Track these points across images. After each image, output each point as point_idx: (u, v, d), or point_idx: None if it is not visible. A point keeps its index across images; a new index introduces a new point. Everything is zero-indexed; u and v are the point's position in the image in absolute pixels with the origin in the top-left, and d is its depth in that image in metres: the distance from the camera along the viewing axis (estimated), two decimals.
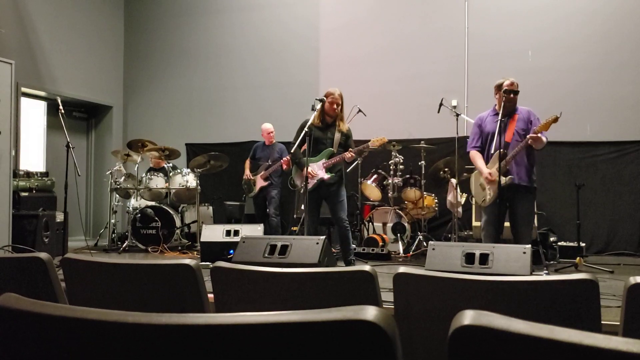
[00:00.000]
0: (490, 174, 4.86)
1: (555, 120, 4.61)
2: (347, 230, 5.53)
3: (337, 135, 5.51)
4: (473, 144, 5.13)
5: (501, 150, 4.77)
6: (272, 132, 7.51)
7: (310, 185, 5.41)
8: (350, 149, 5.47)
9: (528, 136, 4.69)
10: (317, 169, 5.44)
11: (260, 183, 7.34)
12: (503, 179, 4.78)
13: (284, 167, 7.16)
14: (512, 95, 4.86)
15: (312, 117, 5.36)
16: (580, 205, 6.01)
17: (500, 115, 4.73)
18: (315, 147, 5.46)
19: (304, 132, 5.22)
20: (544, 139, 4.69)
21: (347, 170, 5.98)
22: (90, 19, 9.54)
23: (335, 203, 5.51)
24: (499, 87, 4.95)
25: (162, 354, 0.86)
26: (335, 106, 5.43)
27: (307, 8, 9.07)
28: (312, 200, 5.50)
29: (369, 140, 5.58)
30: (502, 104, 4.76)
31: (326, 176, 5.44)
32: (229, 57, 9.53)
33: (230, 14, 9.58)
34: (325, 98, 5.44)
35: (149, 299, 2.07)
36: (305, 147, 5.32)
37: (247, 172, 7.54)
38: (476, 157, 5.07)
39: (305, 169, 5.21)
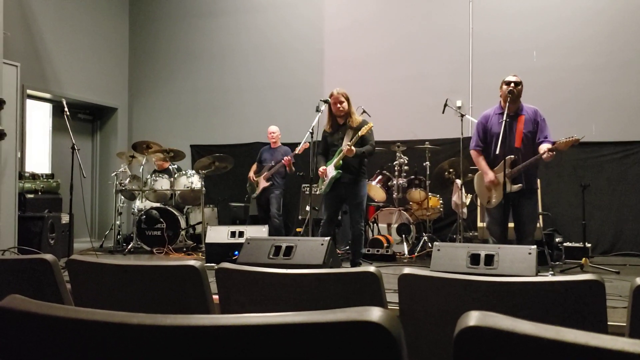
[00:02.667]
0: (495, 178, 4.85)
1: (577, 141, 4.60)
2: (361, 233, 5.49)
3: (349, 133, 5.39)
4: (475, 144, 5.09)
5: (511, 156, 4.76)
6: (272, 133, 7.51)
7: (324, 186, 5.44)
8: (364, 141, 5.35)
9: (544, 154, 4.65)
10: (330, 170, 5.43)
11: (262, 184, 7.36)
12: (513, 187, 4.77)
13: (286, 164, 7.16)
14: (512, 85, 4.80)
15: (317, 119, 5.35)
16: (585, 205, 5.99)
17: (505, 114, 4.70)
18: (332, 152, 5.46)
19: (307, 133, 5.24)
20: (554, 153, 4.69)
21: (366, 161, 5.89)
22: (95, 21, 9.57)
23: (352, 204, 5.48)
24: (503, 83, 4.93)
25: (167, 355, 0.86)
26: (338, 105, 5.36)
27: (311, 9, 9.08)
28: (332, 201, 5.50)
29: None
30: (507, 99, 4.75)
31: (333, 173, 5.39)
32: (233, 59, 9.54)
33: (235, 15, 9.59)
34: (329, 99, 5.43)
35: (154, 300, 2.07)
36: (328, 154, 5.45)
37: (251, 173, 7.56)
38: (479, 158, 5.05)
39: (311, 170, 5.25)
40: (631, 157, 7.34)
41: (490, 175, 4.90)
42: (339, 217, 6.50)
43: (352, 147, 5.20)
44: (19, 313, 0.94)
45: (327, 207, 5.54)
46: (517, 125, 4.87)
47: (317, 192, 5.85)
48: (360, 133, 5.24)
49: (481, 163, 5.02)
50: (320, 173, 5.42)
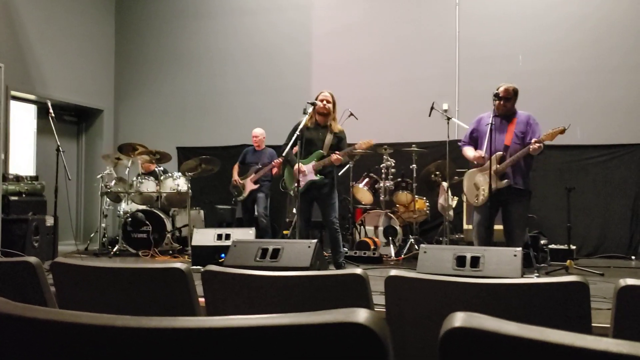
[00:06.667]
0: (480, 154, 4.91)
1: (562, 131, 4.65)
2: (338, 233, 5.55)
3: (329, 137, 5.53)
4: (463, 140, 5.27)
5: (500, 153, 4.83)
6: (256, 137, 7.52)
7: (300, 188, 5.42)
8: (336, 151, 5.46)
9: (531, 146, 4.71)
10: (307, 171, 5.47)
11: (250, 186, 7.34)
12: (501, 182, 4.83)
13: (274, 170, 7.18)
14: (500, 102, 4.92)
15: (305, 119, 5.36)
16: (570, 208, 6.04)
17: (491, 117, 4.78)
18: (306, 149, 5.46)
19: (295, 134, 5.24)
20: (541, 145, 4.74)
21: (339, 174, 5.99)
22: (81, 22, 9.49)
23: (326, 205, 5.53)
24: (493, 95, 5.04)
25: (152, 358, 0.86)
26: (325, 103, 5.45)
27: (300, 13, 9.08)
28: (304, 202, 5.52)
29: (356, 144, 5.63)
30: (496, 107, 4.86)
31: (315, 178, 5.44)
32: (221, 61, 9.51)
33: (223, 18, 9.57)
34: (316, 101, 5.47)
35: (139, 303, 2.06)
36: (296, 149, 5.34)
37: (235, 176, 7.54)
38: (466, 149, 5.20)
39: (298, 170, 5.25)
40: (616, 160, 7.41)
41: (475, 154, 4.98)
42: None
43: (341, 158, 5.40)
44: (2, 316, 0.93)
45: (301, 211, 5.52)
46: (509, 125, 4.97)
47: (286, 191, 5.83)
48: (357, 150, 5.60)
49: (467, 152, 5.16)
50: (299, 171, 5.37)
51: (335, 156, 5.35)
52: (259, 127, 7.70)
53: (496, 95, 4.94)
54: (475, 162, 5.06)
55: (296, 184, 5.29)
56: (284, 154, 5.45)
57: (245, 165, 7.57)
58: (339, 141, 5.59)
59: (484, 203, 4.94)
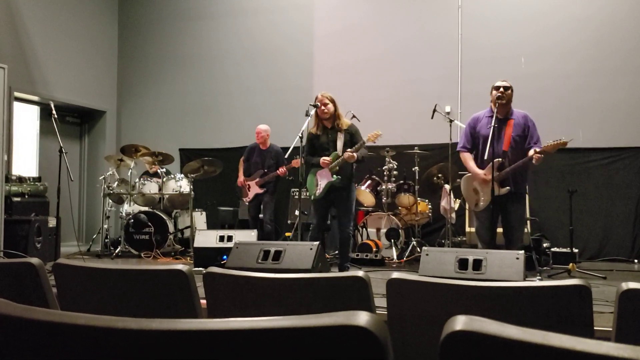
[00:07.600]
0: (484, 174, 4.89)
1: (564, 144, 4.64)
2: (349, 237, 5.49)
3: (340, 136, 5.42)
4: (462, 144, 5.13)
5: (499, 159, 4.79)
6: (260, 133, 7.41)
7: (319, 191, 5.39)
8: (348, 148, 5.34)
9: (533, 157, 4.69)
10: (324, 174, 5.41)
11: (255, 190, 7.32)
12: (501, 190, 4.81)
13: (281, 175, 7.17)
14: (502, 90, 4.86)
15: (307, 122, 5.35)
16: (573, 211, 6.03)
17: (494, 118, 4.74)
18: (320, 155, 5.42)
19: (297, 137, 5.24)
20: (542, 155, 4.73)
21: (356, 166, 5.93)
22: (84, 24, 9.52)
23: (343, 209, 5.46)
24: (492, 88, 4.97)
25: None
26: (323, 107, 5.35)
27: (302, 13, 9.09)
28: (321, 206, 5.48)
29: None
30: (496, 103, 4.80)
31: (332, 179, 5.39)
32: (223, 62, 9.53)
33: (225, 19, 9.58)
34: (317, 103, 5.44)
35: (141, 304, 2.06)
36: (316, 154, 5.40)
37: (241, 177, 7.50)
38: (467, 159, 5.08)
39: (300, 175, 5.26)
40: (618, 163, 7.40)
41: (480, 173, 4.93)
42: (328, 222, 6.50)
43: (355, 154, 5.25)
44: (3, 317, 0.93)
45: (316, 212, 5.53)
46: (506, 129, 4.91)
47: (310, 197, 5.75)
48: (358, 145, 5.33)
49: (469, 164, 5.06)
50: (325, 163, 5.37)
51: (347, 154, 5.23)
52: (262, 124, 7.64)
53: (497, 88, 4.88)
54: (480, 182, 5.02)
55: (316, 187, 5.31)
56: (305, 159, 5.39)
57: (250, 164, 7.52)
58: (352, 136, 5.45)
59: (484, 209, 4.93)
